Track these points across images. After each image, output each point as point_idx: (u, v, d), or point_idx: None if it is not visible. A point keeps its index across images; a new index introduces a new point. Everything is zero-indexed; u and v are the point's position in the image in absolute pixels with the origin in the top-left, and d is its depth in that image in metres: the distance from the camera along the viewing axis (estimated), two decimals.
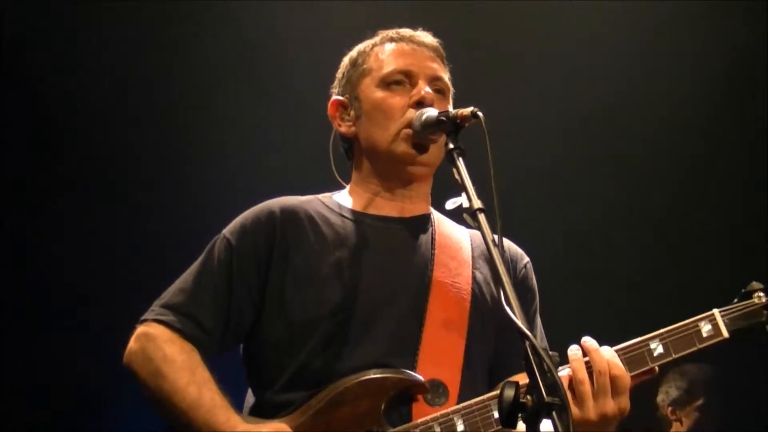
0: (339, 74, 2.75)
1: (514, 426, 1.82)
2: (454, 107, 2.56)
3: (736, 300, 2.41)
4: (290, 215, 2.54)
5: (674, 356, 2.33)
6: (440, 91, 2.62)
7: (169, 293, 2.50)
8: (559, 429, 1.75)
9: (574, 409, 2.23)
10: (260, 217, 2.54)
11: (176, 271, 2.58)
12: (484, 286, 2.58)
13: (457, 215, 2.27)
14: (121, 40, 5.16)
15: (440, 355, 2.42)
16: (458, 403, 2.37)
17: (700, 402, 5.00)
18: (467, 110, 2.27)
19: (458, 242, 2.63)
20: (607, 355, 2.29)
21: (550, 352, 1.85)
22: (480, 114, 2.23)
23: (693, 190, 5.61)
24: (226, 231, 2.55)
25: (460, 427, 2.30)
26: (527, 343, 1.83)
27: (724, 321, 2.36)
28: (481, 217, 2.07)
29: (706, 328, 2.35)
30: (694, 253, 5.60)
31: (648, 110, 5.54)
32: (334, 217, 2.58)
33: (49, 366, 5.30)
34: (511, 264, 2.62)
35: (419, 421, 2.33)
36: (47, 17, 5.07)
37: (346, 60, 2.75)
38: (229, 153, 5.41)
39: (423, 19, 2.79)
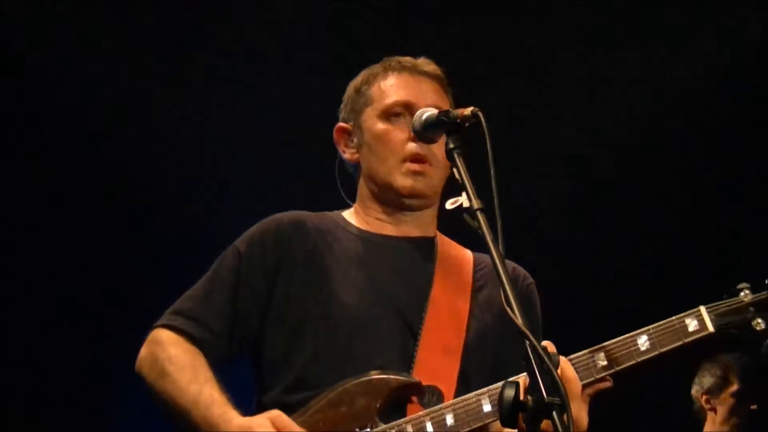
0: (344, 99, 2.80)
1: (515, 426, 1.83)
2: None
3: (724, 297, 2.45)
4: (299, 228, 2.62)
5: (660, 350, 2.36)
6: None
7: (180, 301, 2.60)
8: (559, 429, 1.75)
9: None
10: (269, 228, 2.63)
11: (178, 273, 2.61)
12: (483, 305, 2.62)
13: (467, 237, 2.26)
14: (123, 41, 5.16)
15: (435, 367, 2.48)
16: None
17: (734, 388, 4.95)
18: (467, 110, 2.27)
19: (460, 263, 2.69)
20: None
21: (551, 352, 1.85)
22: (480, 114, 2.24)
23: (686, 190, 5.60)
24: (237, 241, 2.64)
25: (449, 420, 2.36)
26: (527, 342, 1.84)
27: (710, 317, 2.39)
28: (481, 216, 2.09)
29: (692, 324, 2.38)
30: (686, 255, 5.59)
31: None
32: (341, 233, 2.66)
33: (50, 367, 5.30)
34: (515, 281, 2.63)
35: (410, 417, 2.39)
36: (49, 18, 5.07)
37: (351, 87, 2.79)
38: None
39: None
